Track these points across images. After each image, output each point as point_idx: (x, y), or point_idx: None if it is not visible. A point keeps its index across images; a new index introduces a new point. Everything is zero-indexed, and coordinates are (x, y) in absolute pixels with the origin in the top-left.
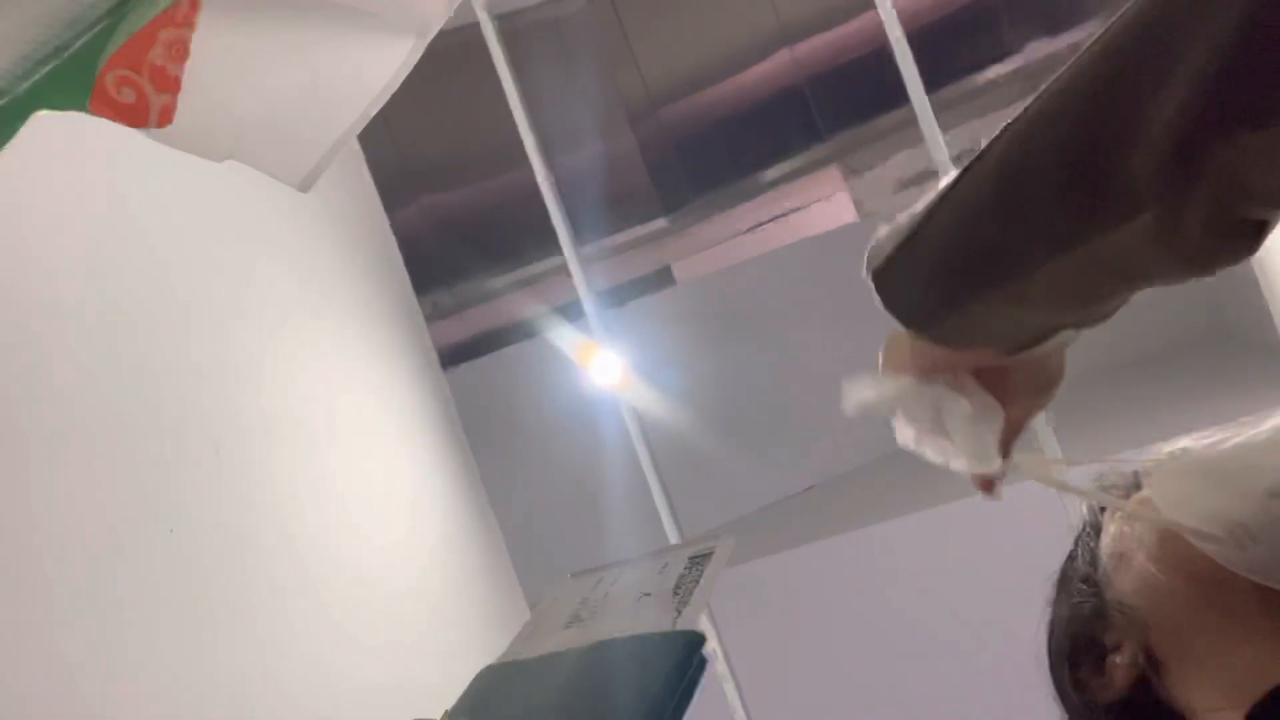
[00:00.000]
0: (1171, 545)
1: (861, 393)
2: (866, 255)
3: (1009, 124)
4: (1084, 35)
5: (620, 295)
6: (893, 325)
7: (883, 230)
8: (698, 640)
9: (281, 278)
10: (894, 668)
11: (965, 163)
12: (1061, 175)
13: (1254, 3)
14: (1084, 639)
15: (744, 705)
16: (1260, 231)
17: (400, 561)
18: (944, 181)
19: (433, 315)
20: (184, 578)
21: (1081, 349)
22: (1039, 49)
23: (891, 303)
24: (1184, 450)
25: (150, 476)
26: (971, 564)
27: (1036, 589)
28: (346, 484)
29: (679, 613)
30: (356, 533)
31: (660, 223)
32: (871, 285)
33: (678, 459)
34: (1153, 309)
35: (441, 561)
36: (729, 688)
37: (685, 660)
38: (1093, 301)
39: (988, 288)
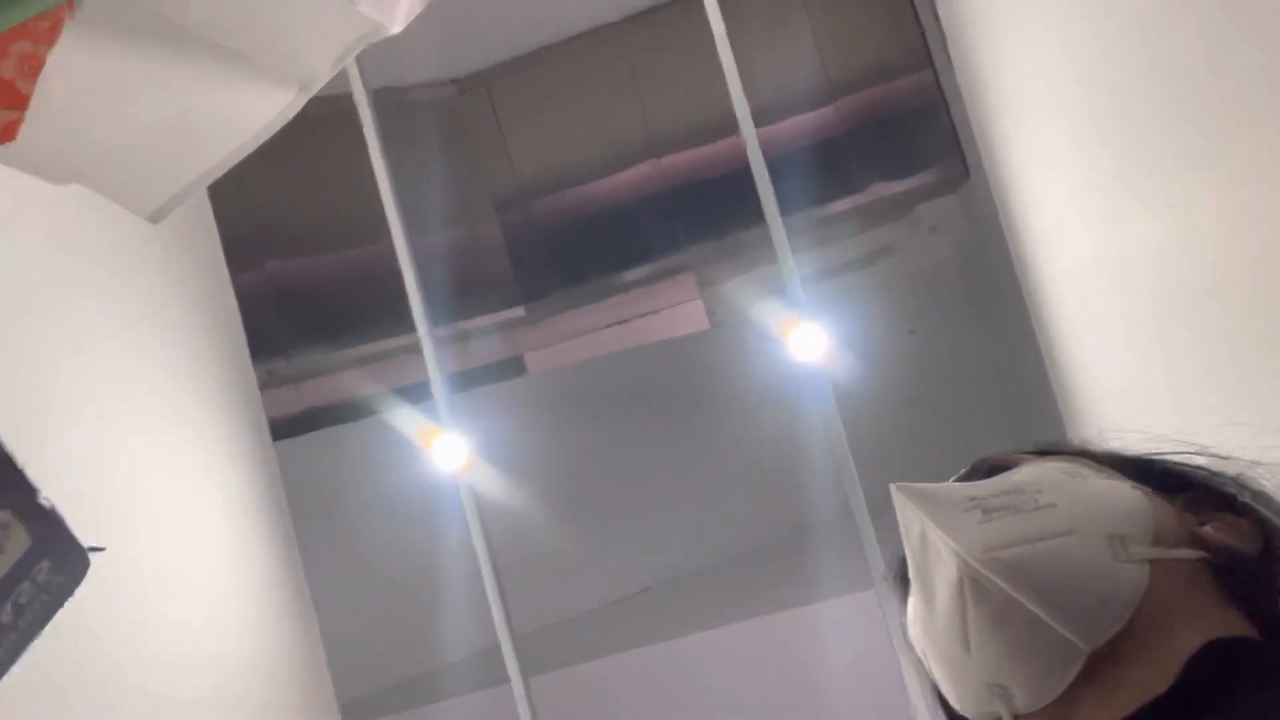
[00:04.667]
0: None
1: None
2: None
3: None
4: (919, 182)
5: (468, 380)
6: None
7: None
8: None
9: (104, 319)
10: None
11: None
12: None
13: None
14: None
15: None
16: None
17: (204, 655)
18: None
19: (267, 383)
20: None
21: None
22: (879, 190)
23: None
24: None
25: None
26: (806, 673)
27: (874, 696)
28: (148, 560)
29: None
30: (155, 616)
31: (518, 311)
32: None
33: (515, 552)
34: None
35: (250, 656)
36: None
37: None
38: None
39: None
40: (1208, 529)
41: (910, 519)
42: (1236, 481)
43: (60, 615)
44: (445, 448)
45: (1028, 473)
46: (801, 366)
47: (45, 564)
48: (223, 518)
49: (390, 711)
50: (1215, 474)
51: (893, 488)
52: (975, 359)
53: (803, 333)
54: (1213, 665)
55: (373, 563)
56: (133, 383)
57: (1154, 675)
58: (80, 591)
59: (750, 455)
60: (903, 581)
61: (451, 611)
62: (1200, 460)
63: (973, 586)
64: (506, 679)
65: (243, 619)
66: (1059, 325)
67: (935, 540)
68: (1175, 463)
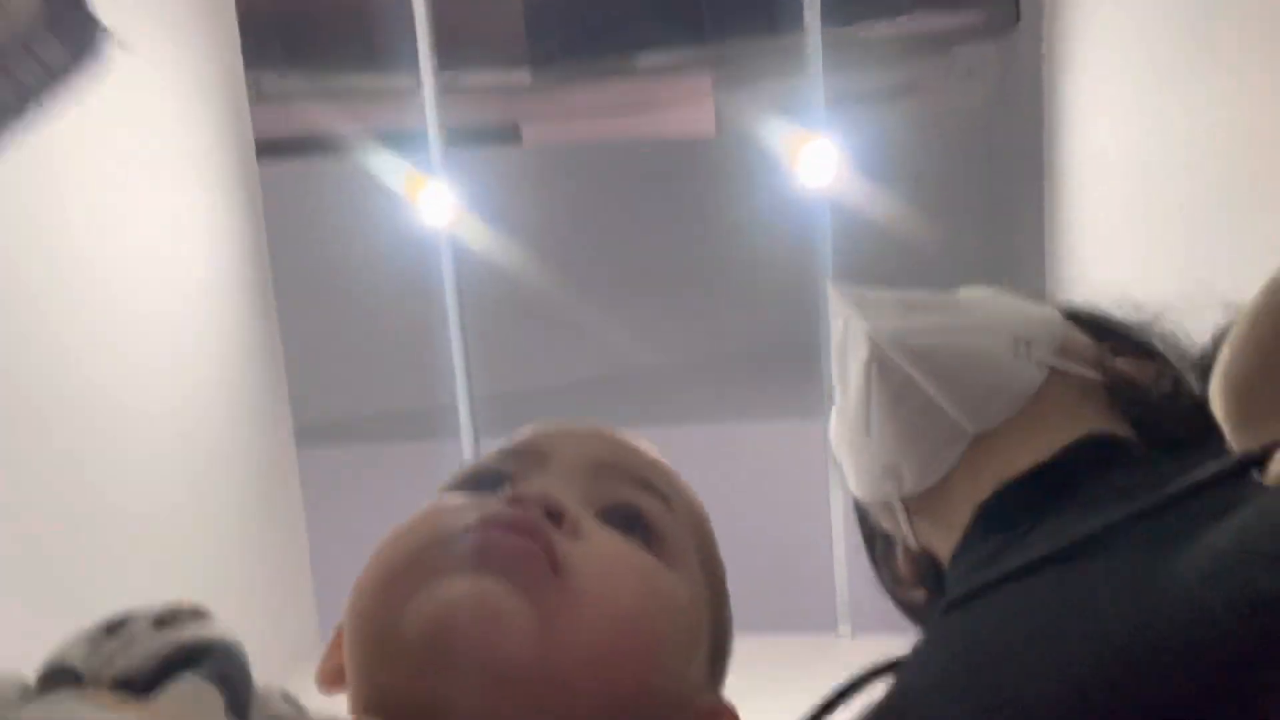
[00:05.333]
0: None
1: None
2: None
3: None
4: (964, 21)
5: (462, 138)
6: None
7: None
8: None
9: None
10: None
11: None
12: None
13: None
14: (867, 529)
15: None
16: None
17: (171, 360)
18: None
19: (254, 99)
20: None
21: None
22: (923, 20)
23: None
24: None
25: None
26: (736, 489)
27: (797, 525)
28: (121, 260)
29: None
30: (124, 316)
31: (523, 76)
32: None
33: (488, 316)
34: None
35: (213, 368)
36: None
37: None
38: None
39: None
40: (1117, 360)
41: (838, 312)
42: (1160, 335)
43: (34, 328)
44: (433, 197)
45: (966, 291)
46: (803, 186)
47: (55, 43)
48: (202, 228)
49: (342, 443)
50: (1142, 324)
51: (830, 285)
52: (978, 212)
53: (813, 150)
54: (1087, 453)
55: (346, 300)
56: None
57: (1030, 456)
58: (53, 297)
59: (735, 268)
60: None
61: (416, 361)
62: (1135, 314)
63: (879, 369)
64: (458, 434)
65: (209, 328)
66: (1073, 195)
67: (855, 328)
68: (1108, 312)
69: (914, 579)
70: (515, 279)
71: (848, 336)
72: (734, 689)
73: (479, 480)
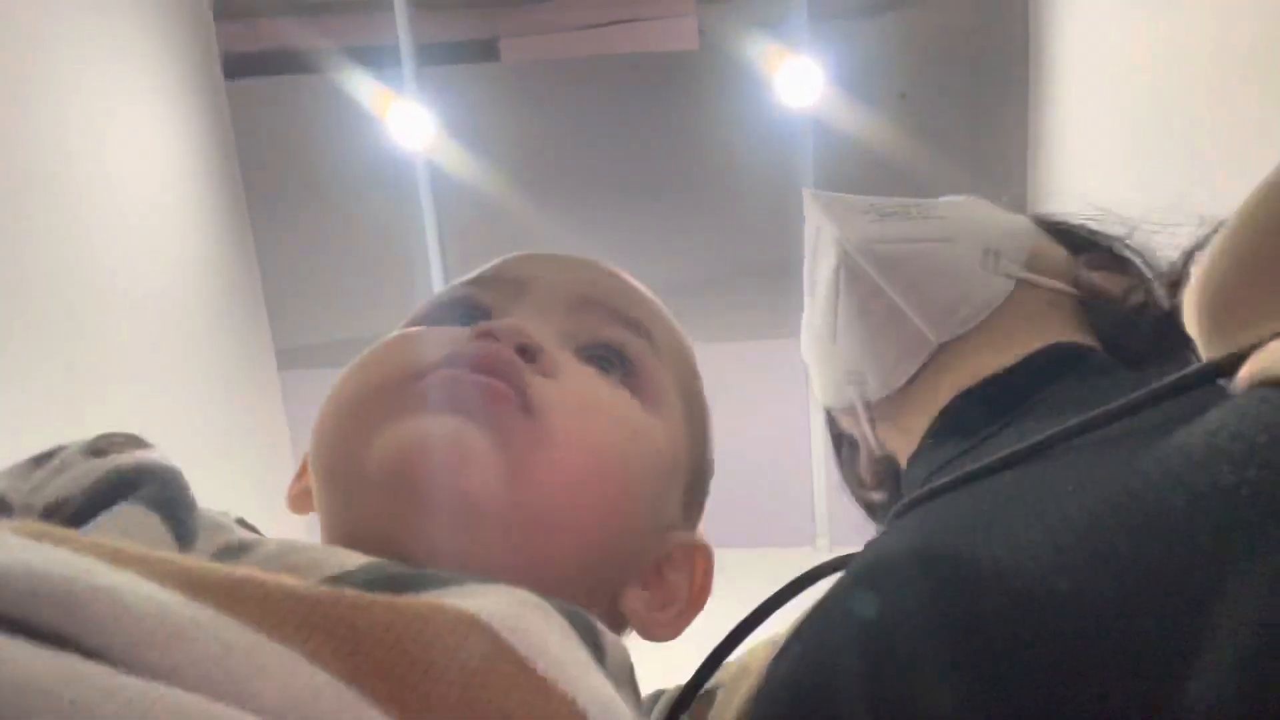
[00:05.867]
0: None
1: None
2: None
3: None
4: None
5: (437, 55)
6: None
7: None
8: None
9: None
10: None
11: None
12: None
13: None
14: (835, 432)
15: None
16: None
17: (146, 289)
18: None
19: (220, 13)
20: None
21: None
22: None
23: None
24: None
25: None
26: (715, 407)
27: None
28: (93, 182)
29: None
30: (102, 243)
31: None
32: None
33: (468, 240)
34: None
35: (190, 292)
36: None
37: None
38: None
39: None
40: (1090, 273)
41: (811, 218)
42: (1135, 249)
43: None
44: (407, 118)
45: (943, 200)
46: (785, 105)
47: None
48: (172, 150)
49: (328, 365)
50: (1117, 237)
51: (805, 193)
52: (962, 130)
53: (794, 69)
54: (1050, 361)
55: (322, 223)
56: None
57: (993, 363)
58: (34, 214)
59: (717, 186)
60: None
61: (395, 283)
62: (1111, 227)
63: (847, 275)
64: None
65: (185, 251)
66: (1056, 109)
67: (825, 234)
68: (1083, 224)
69: (875, 482)
70: (494, 200)
71: (818, 243)
72: (712, 601)
73: (451, 310)
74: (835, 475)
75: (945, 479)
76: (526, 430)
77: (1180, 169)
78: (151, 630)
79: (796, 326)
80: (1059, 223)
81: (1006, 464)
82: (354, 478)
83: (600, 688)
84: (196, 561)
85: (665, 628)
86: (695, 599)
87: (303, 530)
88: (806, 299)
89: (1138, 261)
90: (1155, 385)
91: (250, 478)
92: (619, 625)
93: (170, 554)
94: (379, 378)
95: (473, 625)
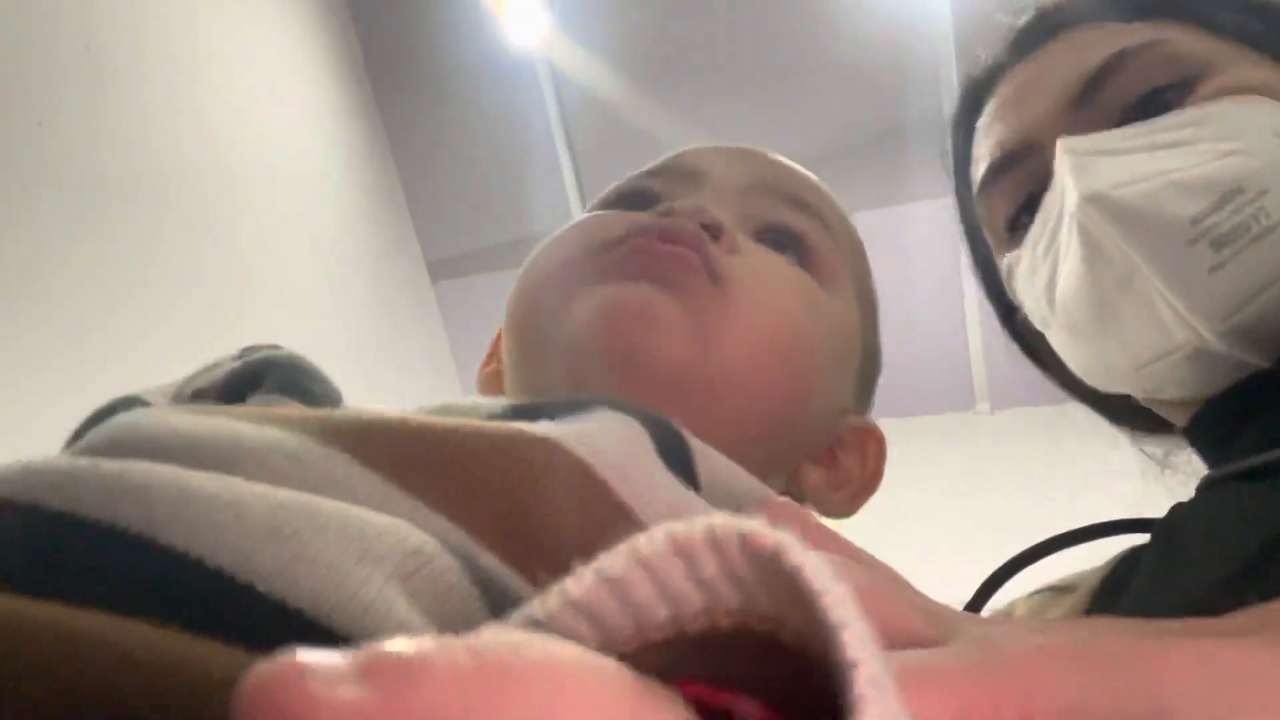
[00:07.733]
0: None
1: None
2: None
3: None
4: None
5: None
6: None
7: None
8: None
9: None
10: None
11: None
12: None
13: None
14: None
15: None
16: None
17: (285, 191)
18: None
19: None
20: (54, 172)
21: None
22: None
23: None
24: None
25: (13, 71)
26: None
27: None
28: (229, 99)
29: None
30: (235, 150)
31: None
32: None
33: (596, 133)
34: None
35: (334, 202)
36: None
37: None
38: None
39: None
40: None
41: (1105, 238)
42: None
43: (156, 124)
44: (522, 17)
45: (1221, 114)
46: None
47: None
48: (304, 68)
49: (480, 272)
50: None
51: (1063, 148)
52: None
53: None
54: None
55: (453, 131)
56: None
57: None
58: (167, 108)
59: (849, 52)
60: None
61: (533, 186)
62: None
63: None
64: None
65: (329, 168)
66: None
67: (1069, 194)
68: None
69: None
70: (619, 93)
71: (1064, 201)
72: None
73: (629, 199)
74: (993, 338)
75: (1264, 457)
76: (714, 298)
77: None
78: (286, 472)
79: (940, 189)
80: None
81: None
82: (551, 343)
83: (674, 501)
84: (326, 412)
85: (841, 505)
86: (869, 481)
87: None
88: (1040, 252)
89: None
90: None
91: (417, 393)
92: (797, 500)
93: (302, 409)
94: (573, 250)
95: (554, 450)
